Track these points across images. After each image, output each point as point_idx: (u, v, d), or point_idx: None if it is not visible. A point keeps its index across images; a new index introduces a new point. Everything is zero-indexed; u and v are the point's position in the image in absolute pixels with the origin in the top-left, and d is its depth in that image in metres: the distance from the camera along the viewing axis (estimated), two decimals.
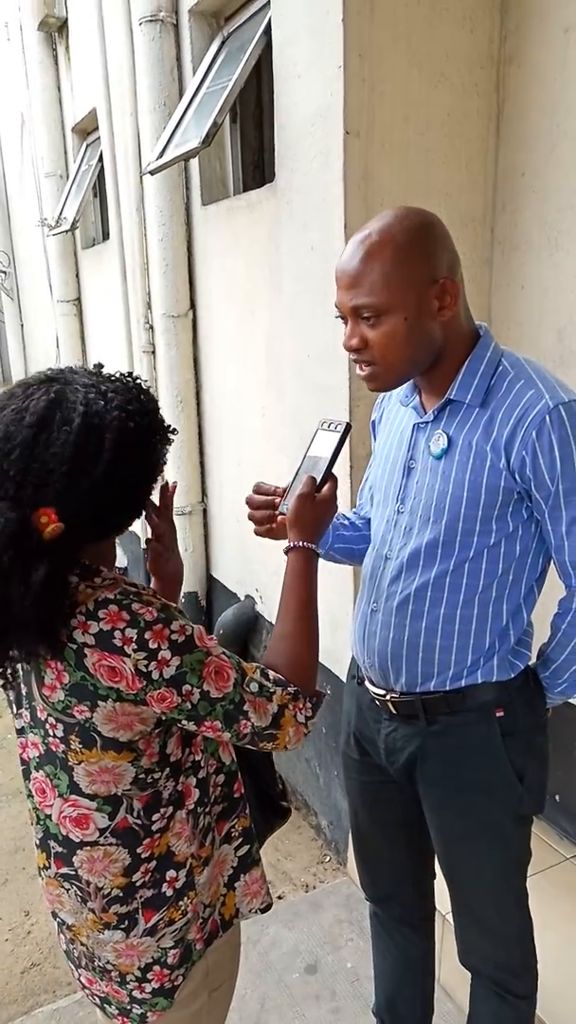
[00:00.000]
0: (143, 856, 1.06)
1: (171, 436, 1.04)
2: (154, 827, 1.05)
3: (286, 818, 1.30)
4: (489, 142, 2.05)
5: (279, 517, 1.22)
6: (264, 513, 1.30)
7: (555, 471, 1.17)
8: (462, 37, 1.95)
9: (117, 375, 1.03)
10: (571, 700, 2.09)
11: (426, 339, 1.20)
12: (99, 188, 4.46)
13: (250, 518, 1.32)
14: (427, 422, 1.28)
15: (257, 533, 1.33)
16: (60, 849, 1.06)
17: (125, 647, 0.94)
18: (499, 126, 2.04)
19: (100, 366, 1.05)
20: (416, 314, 1.16)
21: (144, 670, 0.94)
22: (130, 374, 1.04)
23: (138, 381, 1.04)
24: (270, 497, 1.29)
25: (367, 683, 1.41)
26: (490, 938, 1.46)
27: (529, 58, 1.94)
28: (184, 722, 1.00)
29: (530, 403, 1.17)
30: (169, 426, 1.05)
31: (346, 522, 1.55)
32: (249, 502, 1.32)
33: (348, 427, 1.19)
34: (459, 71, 1.97)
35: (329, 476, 1.18)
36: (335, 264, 1.23)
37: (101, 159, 3.85)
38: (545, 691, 1.36)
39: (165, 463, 1.05)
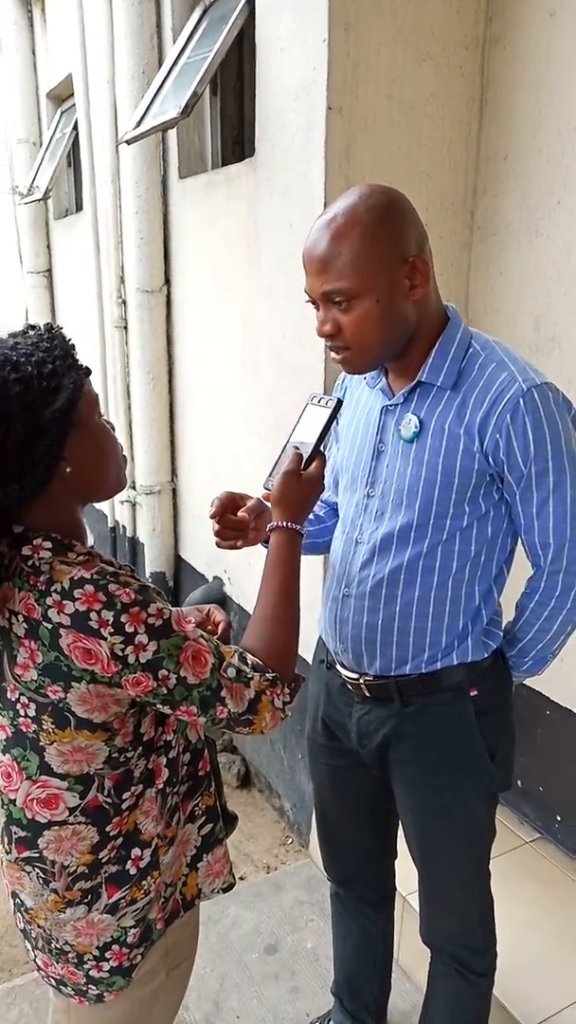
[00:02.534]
0: (111, 834, 1.04)
1: (70, 381, 0.95)
2: (124, 805, 1.04)
3: (235, 824, 1.27)
4: (472, 124, 2.04)
5: (263, 493, 1.20)
6: (229, 532, 1.29)
7: (528, 453, 1.17)
8: (448, 16, 1.93)
9: (20, 333, 0.98)
10: (534, 686, 2.11)
11: (399, 320, 1.18)
12: (74, 157, 4.35)
13: (216, 533, 1.31)
14: (396, 404, 1.27)
15: (219, 546, 1.31)
16: (23, 834, 1.04)
17: (101, 629, 0.91)
18: (482, 108, 2.03)
19: (27, 327, 1.01)
20: (388, 295, 1.15)
21: (120, 654, 0.92)
22: (36, 327, 0.99)
23: (38, 333, 0.98)
24: (237, 518, 1.28)
25: (338, 667, 1.40)
26: (454, 916, 1.49)
27: (514, 40, 1.92)
28: (159, 705, 0.98)
29: (503, 386, 1.17)
30: (76, 367, 0.97)
31: (310, 515, 1.54)
32: (214, 516, 1.30)
33: (339, 403, 1.17)
34: (444, 51, 1.95)
35: (317, 454, 1.16)
36: (304, 243, 1.21)
37: (76, 127, 3.75)
38: (511, 669, 1.38)
39: (76, 399, 0.95)
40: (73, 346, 0.99)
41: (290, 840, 2.61)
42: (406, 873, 1.60)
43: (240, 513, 1.29)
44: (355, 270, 1.12)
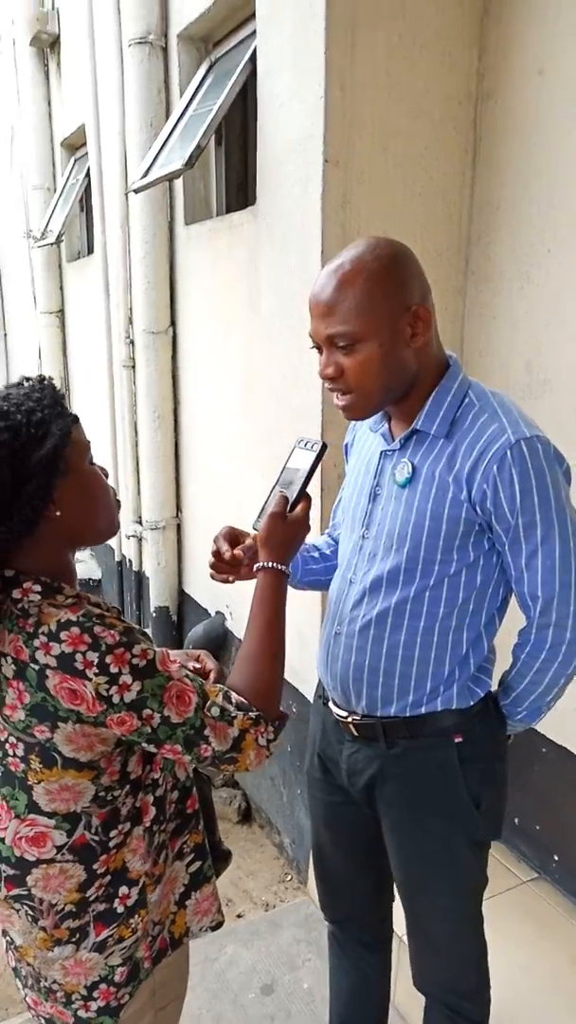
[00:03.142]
0: (99, 872, 1.06)
1: (57, 428, 0.98)
2: (111, 843, 1.06)
3: (228, 861, 1.29)
4: (465, 175, 2.10)
5: (252, 533, 1.23)
6: (224, 567, 1.32)
7: (515, 505, 1.18)
8: (441, 74, 2.01)
9: (15, 385, 1.03)
10: (535, 727, 2.11)
11: (400, 366, 1.21)
12: (86, 202, 4.48)
13: (212, 566, 1.34)
14: (394, 450, 1.30)
15: (213, 578, 1.35)
16: (11, 872, 1.06)
17: (86, 671, 0.94)
18: (475, 160, 2.10)
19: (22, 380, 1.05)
20: (390, 342, 1.18)
21: (105, 694, 0.95)
22: (30, 379, 1.04)
23: (31, 384, 1.02)
24: (226, 550, 1.31)
25: (331, 704, 1.42)
26: (444, 962, 1.47)
27: (505, 96, 1.99)
28: (145, 744, 1.01)
29: (492, 437, 1.18)
30: (64, 415, 1.00)
31: (315, 553, 1.56)
32: (214, 553, 1.33)
33: (324, 447, 1.20)
34: (437, 106, 2.02)
35: (303, 496, 1.19)
36: (311, 288, 1.26)
37: (88, 174, 3.87)
38: (506, 718, 1.38)
39: (63, 445, 0.99)
40: (63, 396, 1.04)
41: (289, 877, 2.59)
42: (402, 913, 1.60)
43: (236, 551, 1.31)
44: (359, 315, 1.16)
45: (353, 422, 1.48)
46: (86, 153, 3.91)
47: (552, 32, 1.84)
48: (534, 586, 1.23)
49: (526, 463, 1.17)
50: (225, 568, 1.32)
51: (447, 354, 1.29)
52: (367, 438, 1.41)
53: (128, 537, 3.71)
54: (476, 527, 1.23)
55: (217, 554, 1.31)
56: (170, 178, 2.64)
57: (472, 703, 1.32)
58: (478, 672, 1.33)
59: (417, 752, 1.33)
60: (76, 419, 1.03)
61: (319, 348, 1.23)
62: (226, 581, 1.35)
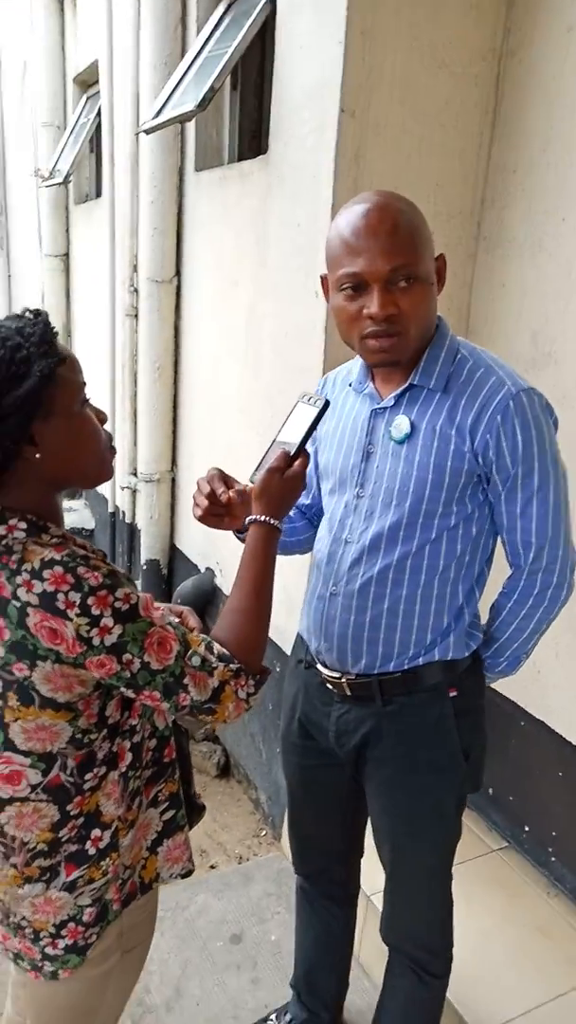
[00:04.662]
0: (72, 813, 1.06)
1: (39, 369, 0.95)
2: (86, 786, 1.06)
3: (202, 814, 1.30)
4: (484, 135, 2.04)
5: (247, 487, 1.20)
6: (205, 503, 1.25)
7: (516, 454, 1.21)
8: (466, 26, 1.93)
9: (14, 316, 1.00)
10: (510, 696, 2.13)
11: (435, 311, 1.24)
12: (96, 143, 4.37)
13: (194, 497, 1.29)
14: (386, 408, 1.30)
15: (201, 520, 1.28)
16: None
17: (68, 611, 0.93)
18: (495, 120, 2.03)
19: (24, 311, 1.02)
20: (433, 284, 1.21)
21: (85, 636, 0.94)
22: (28, 311, 1.01)
23: (26, 318, 0.99)
24: (221, 491, 1.25)
25: (319, 666, 1.42)
26: (416, 916, 1.51)
27: (531, 54, 1.92)
28: (123, 689, 1.00)
29: (494, 389, 1.22)
30: (50, 354, 0.97)
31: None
32: (200, 484, 1.28)
33: (327, 404, 1.18)
34: (460, 60, 1.95)
35: (302, 452, 1.17)
36: (321, 241, 1.22)
37: (100, 113, 3.77)
38: (484, 671, 1.41)
39: (44, 386, 0.95)
40: (55, 334, 1.00)
41: (264, 832, 2.63)
42: (371, 873, 1.63)
43: (231, 493, 1.26)
44: (419, 249, 1.17)
45: (320, 384, 1.48)
46: (98, 91, 3.80)
47: None
48: (528, 533, 1.27)
49: (526, 413, 1.21)
50: (220, 511, 1.27)
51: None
52: (346, 399, 1.40)
53: (122, 489, 3.69)
54: (475, 479, 1.26)
55: (212, 496, 1.26)
56: (182, 120, 2.56)
57: (467, 654, 1.35)
58: (471, 625, 1.36)
59: (413, 708, 1.35)
60: (64, 359, 0.99)
61: (357, 288, 1.18)
62: (218, 525, 1.29)
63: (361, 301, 1.19)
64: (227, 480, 1.29)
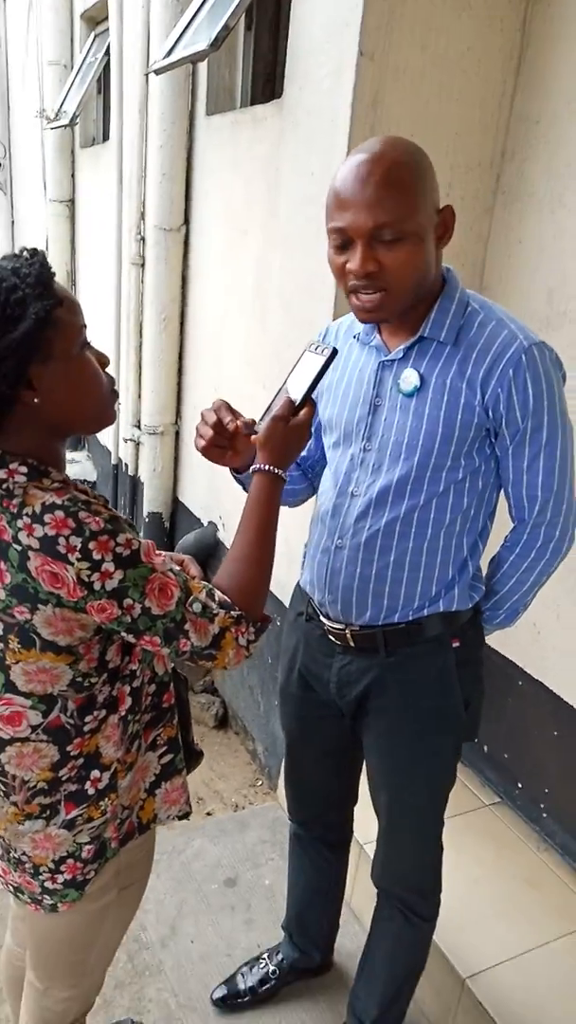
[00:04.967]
0: (72, 754, 1.08)
1: (34, 311, 0.93)
2: (86, 728, 1.07)
3: (199, 760, 1.32)
4: (507, 83, 1.98)
5: (251, 437, 1.18)
6: (210, 433, 1.22)
7: (527, 408, 1.21)
8: None
9: (12, 256, 0.98)
10: (508, 655, 2.15)
11: (429, 267, 1.21)
12: (104, 84, 4.24)
13: (198, 428, 1.24)
14: (394, 360, 1.29)
15: (204, 452, 1.25)
16: None
17: (69, 555, 0.93)
18: (519, 67, 1.97)
19: (22, 250, 1.00)
20: (427, 239, 1.18)
21: (86, 580, 0.94)
22: (26, 250, 0.99)
23: (24, 259, 0.97)
24: (229, 420, 1.21)
25: (323, 618, 1.43)
26: (409, 859, 1.55)
27: None
28: (124, 634, 1.01)
29: (505, 342, 1.21)
30: (47, 296, 0.94)
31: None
32: (205, 415, 1.24)
33: (334, 352, 1.16)
34: (485, 2, 1.88)
35: (307, 401, 1.16)
36: (339, 179, 1.19)
37: (108, 52, 3.65)
38: (483, 622, 1.43)
39: (39, 329, 0.93)
40: (52, 275, 0.98)
41: (260, 782, 2.68)
42: (364, 822, 1.66)
43: (239, 423, 1.22)
44: (408, 206, 1.13)
45: (321, 335, 1.46)
46: (107, 28, 3.67)
47: None
48: (533, 487, 1.28)
49: (537, 367, 1.21)
50: (224, 443, 1.24)
51: (444, 266, 1.29)
52: (351, 351, 1.38)
53: (125, 441, 3.67)
54: (483, 432, 1.26)
55: (219, 426, 1.22)
56: (194, 60, 2.48)
57: (470, 605, 1.37)
58: (475, 577, 1.38)
59: (416, 659, 1.37)
60: (62, 300, 0.97)
61: (344, 245, 1.17)
62: (220, 459, 1.26)
63: (346, 255, 1.17)
64: (234, 412, 1.26)
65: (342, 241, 1.17)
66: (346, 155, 1.87)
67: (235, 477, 1.38)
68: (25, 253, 0.98)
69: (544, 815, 2.14)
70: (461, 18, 1.87)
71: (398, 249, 1.14)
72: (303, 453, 1.53)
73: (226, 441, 1.23)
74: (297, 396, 1.16)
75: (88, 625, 1.00)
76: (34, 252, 0.98)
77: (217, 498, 3.01)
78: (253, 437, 1.17)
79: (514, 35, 1.95)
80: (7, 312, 0.92)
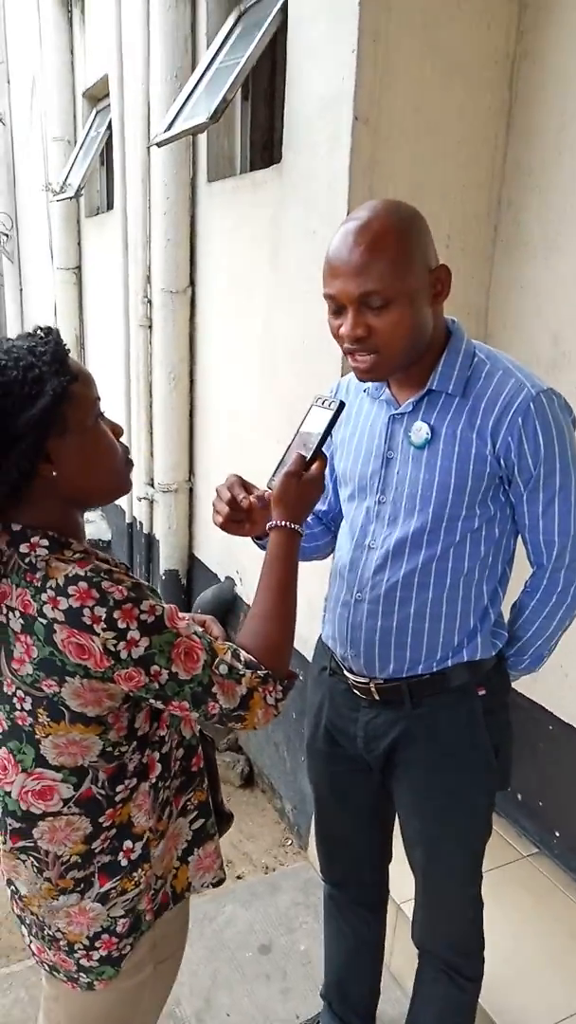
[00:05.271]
0: (104, 825, 1.06)
1: (52, 388, 0.95)
2: (117, 798, 1.06)
3: (230, 823, 1.30)
4: (499, 138, 2.04)
5: (265, 493, 1.20)
6: (226, 509, 1.26)
7: (539, 455, 1.22)
8: (479, 31, 1.94)
9: (26, 335, 1.00)
10: (538, 700, 2.11)
11: (424, 327, 1.22)
12: (107, 156, 4.40)
13: (214, 504, 1.28)
14: (404, 413, 1.30)
15: (223, 528, 1.29)
16: (18, 825, 1.06)
17: (94, 625, 0.93)
18: (509, 122, 2.03)
19: (36, 329, 1.03)
20: (419, 301, 1.19)
21: (113, 649, 0.94)
22: (40, 329, 1.01)
23: (38, 337, 0.99)
24: (242, 496, 1.25)
25: (346, 673, 1.42)
26: (449, 917, 1.51)
27: (544, 55, 1.92)
28: (152, 700, 1.00)
29: (513, 391, 1.22)
30: (63, 372, 0.97)
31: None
32: (220, 491, 1.28)
33: (342, 405, 1.18)
34: (473, 65, 1.96)
35: (319, 455, 1.17)
36: (331, 248, 1.22)
37: (110, 127, 3.80)
38: (508, 668, 1.42)
39: (57, 404, 0.95)
40: (67, 351, 1.00)
41: (289, 842, 2.62)
42: (400, 880, 1.61)
43: (252, 498, 1.26)
44: (393, 273, 1.15)
45: (334, 390, 1.49)
46: (108, 105, 3.83)
47: None
48: (550, 533, 1.28)
49: (546, 414, 1.22)
50: (240, 517, 1.27)
51: (448, 319, 1.31)
52: (361, 405, 1.40)
53: (139, 499, 3.70)
54: (496, 481, 1.27)
55: (233, 502, 1.25)
56: (194, 132, 2.58)
57: (493, 653, 1.36)
58: (496, 624, 1.37)
59: (443, 709, 1.36)
60: (77, 376, 0.99)
61: (339, 310, 1.20)
62: (238, 532, 1.29)
63: (341, 320, 1.20)
64: (247, 486, 1.29)
65: (335, 307, 1.20)
66: (346, 214, 1.94)
67: (256, 543, 1.39)
68: (40, 332, 1.01)
69: None
70: (451, 81, 1.94)
71: (387, 314, 1.17)
72: (323, 507, 1.54)
73: (243, 515, 1.26)
74: (308, 451, 1.17)
75: (116, 694, 1.00)
76: (48, 331, 1.01)
77: (233, 553, 3.01)
78: (267, 493, 1.18)
79: (502, 92, 2.02)
80: (26, 390, 0.94)
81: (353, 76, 1.85)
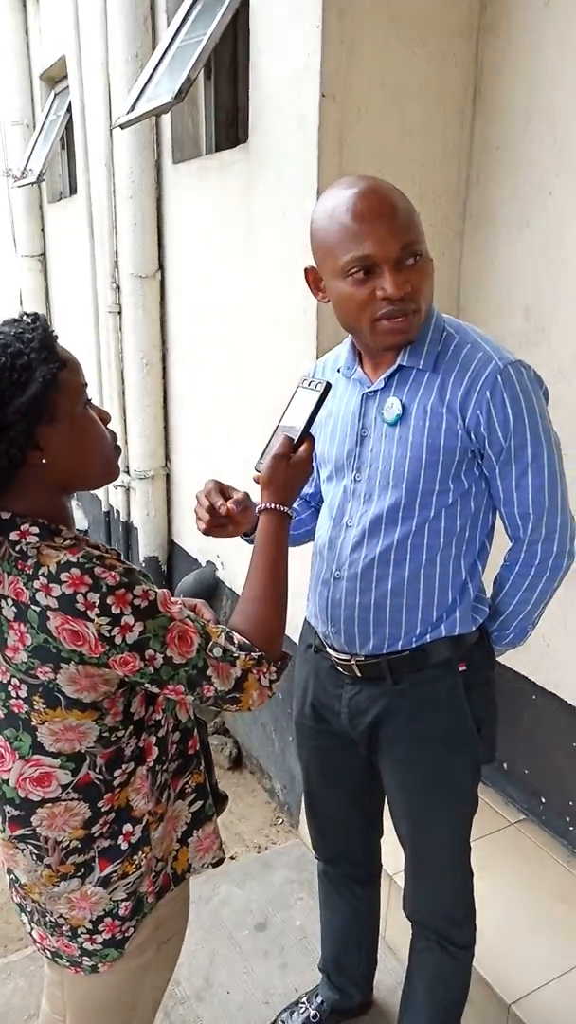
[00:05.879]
0: (103, 809, 1.07)
1: (40, 375, 0.95)
2: (115, 782, 1.07)
3: (225, 804, 1.31)
4: (465, 113, 2.04)
5: (254, 476, 1.20)
6: (208, 517, 1.29)
7: (508, 427, 1.22)
8: (443, 3, 1.93)
9: (11, 322, 1.00)
10: (520, 671, 2.15)
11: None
12: (67, 139, 4.32)
13: (196, 511, 1.31)
14: (376, 390, 1.31)
15: (207, 534, 1.32)
16: (17, 812, 1.06)
17: (88, 611, 0.93)
18: (476, 97, 2.03)
19: (22, 315, 1.02)
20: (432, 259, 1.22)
21: (107, 635, 0.94)
22: (26, 316, 1.01)
23: (25, 323, 0.99)
24: (220, 504, 1.28)
25: (329, 650, 1.43)
26: (439, 889, 1.53)
27: (508, 30, 1.92)
28: (147, 685, 1.01)
29: (481, 364, 1.22)
30: (51, 359, 0.97)
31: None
32: (199, 498, 1.31)
33: (328, 387, 1.17)
34: (438, 39, 1.95)
35: (306, 436, 1.17)
36: (307, 227, 1.22)
37: (70, 109, 3.73)
38: (492, 643, 1.43)
39: (44, 392, 0.95)
40: (55, 338, 1.00)
41: (280, 820, 2.65)
42: (393, 852, 1.64)
43: (230, 504, 1.29)
44: (419, 225, 1.19)
45: (311, 371, 1.48)
46: (67, 87, 3.75)
47: None
48: (524, 505, 1.28)
49: (515, 386, 1.22)
50: (223, 521, 1.30)
51: None
52: (335, 385, 1.38)
53: (116, 487, 3.68)
54: (469, 454, 1.27)
55: (212, 510, 1.28)
56: (158, 113, 2.54)
57: (473, 628, 1.37)
58: (477, 599, 1.38)
59: (424, 684, 1.37)
60: (66, 363, 0.99)
61: (367, 273, 1.16)
62: (223, 534, 1.32)
63: (372, 284, 1.17)
64: (224, 491, 1.31)
65: (364, 269, 1.16)
66: (316, 193, 1.94)
67: (244, 539, 1.40)
68: (26, 318, 1.00)
69: (571, 828, 2.13)
70: (416, 55, 1.93)
71: (420, 269, 1.18)
72: (310, 489, 1.55)
73: (224, 519, 1.28)
74: (295, 433, 1.17)
75: (111, 679, 1.00)
76: (36, 317, 1.00)
77: (213, 539, 3.01)
78: (255, 476, 1.18)
79: (468, 67, 2.01)
80: (14, 377, 0.93)
81: (319, 52, 1.83)
